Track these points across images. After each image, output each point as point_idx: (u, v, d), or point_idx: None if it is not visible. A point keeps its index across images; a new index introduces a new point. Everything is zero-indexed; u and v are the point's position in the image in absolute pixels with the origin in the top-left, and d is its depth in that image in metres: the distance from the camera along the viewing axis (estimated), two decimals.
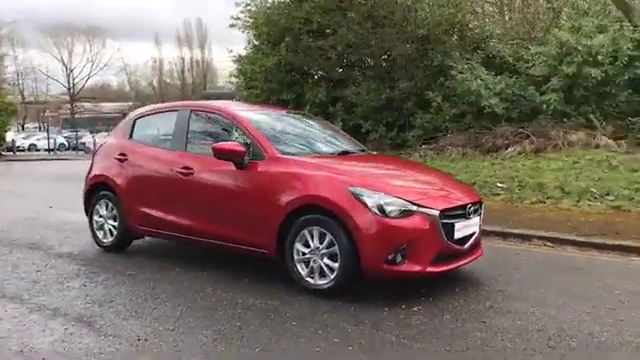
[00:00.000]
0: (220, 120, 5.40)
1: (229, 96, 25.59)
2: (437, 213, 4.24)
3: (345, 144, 5.67)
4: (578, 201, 8.14)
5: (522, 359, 3.30)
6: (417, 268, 4.18)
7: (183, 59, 59.29)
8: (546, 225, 6.87)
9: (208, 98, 25.46)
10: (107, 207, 5.98)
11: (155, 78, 60.53)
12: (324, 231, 4.33)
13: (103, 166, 6.07)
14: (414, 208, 4.20)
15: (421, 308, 4.14)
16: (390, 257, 4.13)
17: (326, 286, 4.34)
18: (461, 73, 14.09)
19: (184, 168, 5.20)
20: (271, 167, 4.69)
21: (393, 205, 4.17)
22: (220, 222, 4.95)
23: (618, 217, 7.23)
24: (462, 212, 4.48)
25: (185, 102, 7.30)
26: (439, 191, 4.62)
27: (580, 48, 13.07)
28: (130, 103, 49.43)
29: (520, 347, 3.45)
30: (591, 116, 13.13)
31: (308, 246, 4.43)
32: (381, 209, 4.14)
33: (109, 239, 5.99)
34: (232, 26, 17.34)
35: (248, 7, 16.66)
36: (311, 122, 6.23)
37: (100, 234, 6.07)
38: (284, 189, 4.54)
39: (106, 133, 24.80)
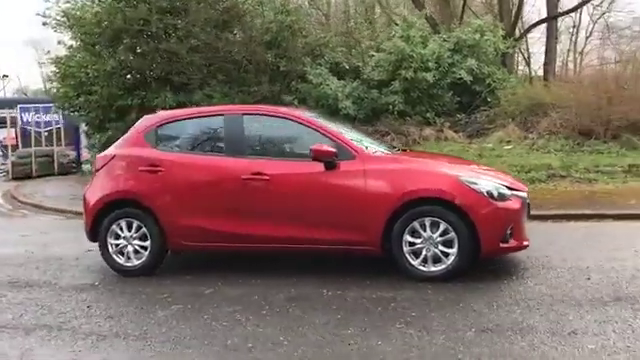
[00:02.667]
0: (285, 124, 5.32)
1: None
2: (525, 194, 4.99)
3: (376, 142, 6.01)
4: None
5: None
6: (517, 243, 4.87)
7: None
8: None
9: None
10: (130, 227, 5.36)
11: None
12: (437, 220, 4.74)
13: (124, 181, 5.41)
14: (510, 192, 4.88)
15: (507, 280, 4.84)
16: (503, 237, 4.74)
17: (442, 272, 4.75)
18: (315, 78, 15.08)
19: (255, 174, 5.03)
20: (367, 165, 4.90)
21: (498, 190, 4.80)
22: (313, 226, 4.96)
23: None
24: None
25: (229, 106, 6.77)
26: (506, 176, 5.37)
27: (414, 55, 15.09)
28: None
29: None
30: (427, 114, 15.26)
31: (418, 237, 4.78)
32: (490, 194, 4.74)
33: (136, 262, 5.40)
34: (45, 24, 15.69)
35: (66, 4, 15.20)
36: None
37: (120, 258, 5.42)
38: (390, 185, 4.82)
39: None
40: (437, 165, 5.16)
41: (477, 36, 16.52)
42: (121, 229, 5.41)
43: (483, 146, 12.81)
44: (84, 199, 5.62)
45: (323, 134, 5.13)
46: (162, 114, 5.84)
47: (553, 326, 3.77)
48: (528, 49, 22.45)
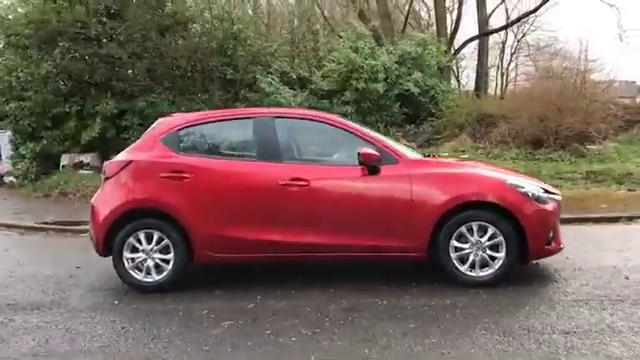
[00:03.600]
0: (319, 128, 5.11)
1: None
2: (560, 197, 5.09)
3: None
4: None
5: None
6: (557, 245, 4.94)
7: None
8: None
9: None
10: (150, 239, 4.90)
11: None
12: (485, 224, 4.71)
13: (144, 189, 4.94)
14: (548, 195, 4.96)
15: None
16: (547, 239, 4.80)
17: (490, 276, 4.72)
18: (267, 86, 14.89)
19: (294, 180, 4.78)
20: (411, 170, 4.80)
21: (541, 193, 4.85)
22: (355, 233, 4.77)
23: None
24: None
25: (257, 109, 6.29)
26: (537, 181, 5.44)
27: (365, 66, 15.30)
28: None
29: None
30: (378, 125, 15.48)
31: (465, 242, 4.72)
32: (536, 197, 4.78)
33: (157, 277, 4.93)
34: None
35: None
36: None
37: (138, 274, 4.93)
38: (436, 189, 4.74)
39: None
40: (482, 169, 5.15)
41: (419, 49, 16.99)
42: (139, 241, 4.93)
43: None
44: (92, 210, 5.07)
45: (362, 138, 4.97)
46: (183, 117, 5.42)
47: (633, 325, 3.81)
48: (457, 64, 23.42)
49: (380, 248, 4.78)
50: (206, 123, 5.25)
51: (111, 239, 4.93)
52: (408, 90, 16.24)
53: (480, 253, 4.73)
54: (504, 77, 25.16)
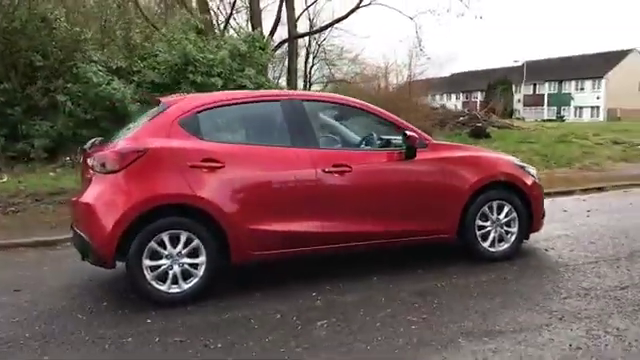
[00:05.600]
0: (347, 111, 4.89)
1: None
2: None
3: None
4: None
5: None
6: (544, 221, 5.54)
7: None
8: None
9: None
10: (175, 241, 4.16)
11: None
12: (503, 203, 5.09)
13: (169, 182, 4.12)
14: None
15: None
16: (543, 213, 5.38)
17: (507, 250, 5.12)
18: (96, 77, 13.40)
19: (336, 166, 4.53)
20: (440, 153, 4.93)
21: (536, 172, 5.43)
22: (397, 218, 4.72)
23: None
24: None
25: (282, 91, 5.28)
26: None
27: (201, 60, 14.79)
28: None
29: None
30: None
31: (486, 220, 5.06)
32: (533, 175, 5.33)
33: (185, 285, 4.19)
34: None
35: None
36: None
37: (161, 284, 4.14)
38: (465, 172, 4.96)
39: None
40: (493, 152, 5.47)
41: (246, 46, 16.93)
42: (162, 245, 4.11)
43: None
44: (92, 211, 4.05)
45: (393, 122, 4.91)
46: (199, 97, 4.62)
47: None
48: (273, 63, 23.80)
49: (418, 232, 4.80)
50: (228, 105, 4.57)
51: (124, 246, 4.00)
52: (244, 86, 16.04)
53: (498, 229, 5.05)
54: (307, 78, 26.46)
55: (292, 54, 21.19)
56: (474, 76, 52.83)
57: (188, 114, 4.32)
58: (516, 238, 5.13)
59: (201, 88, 14.70)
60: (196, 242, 4.16)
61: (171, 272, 4.13)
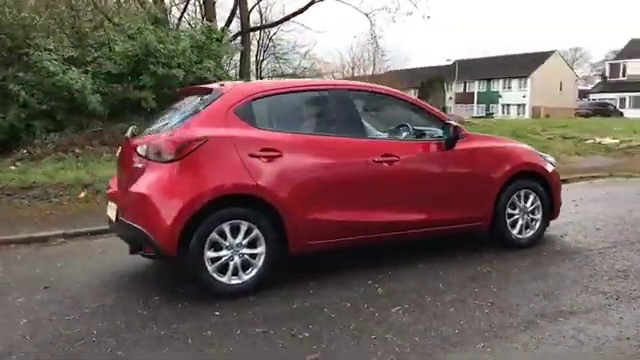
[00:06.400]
0: (389, 102, 4.93)
1: None
2: None
3: None
4: None
5: None
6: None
7: None
8: None
9: None
10: (236, 231, 4.06)
11: None
12: (529, 191, 5.30)
13: (231, 171, 4.01)
14: None
15: None
16: (560, 202, 5.66)
17: (533, 237, 5.33)
18: (52, 66, 12.79)
19: (385, 156, 4.58)
20: (473, 144, 5.06)
21: (554, 161, 5.68)
22: (439, 207, 4.81)
23: None
24: None
25: (329, 81, 5.06)
26: None
27: (162, 51, 14.40)
28: None
29: None
30: None
31: (514, 208, 5.26)
32: (554, 165, 5.59)
33: (246, 276, 4.10)
34: None
35: None
36: None
37: (222, 276, 4.04)
38: (497, 161, 5.13)
39: None
40: (516, 142, 5.65)
41: (204, 37, 16.60)
42: (223, 236, 4.00)
43: None
44: (153, 201, 3.88)
45: (432, 114, 5.01)
46: (252, 86, 4.53)
47: None
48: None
49: (458, 220, 4.93)
50: (280, 94, 4.50)
51: (187, 236, 3.87)
52: (205, 78, 15.71)
53: (525, 217, 5.26)
54: (258, 72, 26.18)
55: (245, 47, 20.91)
56: (410, 74, 54.06)
57: (243, 102, 4.22)
58: (540, 225, 5.36)
59: (162, 79, 14.32)
60: (256, 232, 4.08)
61: (232, 263, 4.03)
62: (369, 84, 5.31)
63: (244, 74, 21.12)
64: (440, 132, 4.94)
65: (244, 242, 4.05)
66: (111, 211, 4.47)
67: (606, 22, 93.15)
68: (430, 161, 4.81)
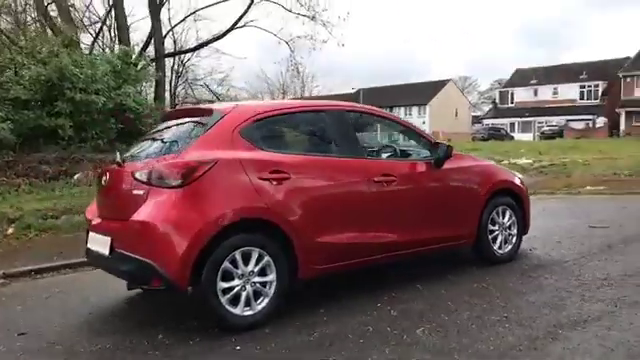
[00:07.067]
0: (380, 122, 4.95)
1: None
2: None
3: None
4: None
5: None
6: None
7: None
8: None
9: None
10: (247, 259, 3.86)
11: None
12: (506, 208, 5.48)
13: (244, 196, 3.80)
14: None
15: None
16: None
17: (511, 251, 5.51)
18: None
19: (384, 176, 4.59)
20: (459, 162, 5.19)
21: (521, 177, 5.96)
22: (432, 225, 4.85)
23: None
24: None
25: (325, 102, 4.72)
26: None
27: (80, 76, 13.74)
28: None
29: None
30: (99, 141, 14.06)
31: (494, 224, 5.43)
32: (522, 181, 5.86)
33: (258, 307, 3.89)
34: None
35: None
36: None
37: (234, 307, 3.81)
38: (480, 179, 5.27)
39: None
40: (489, 161, 5.83)
41: (120, 62, 16.05)
42: (234, 265, 3.78)
43: None
44: (160, 231, 3.58)
45: (419, 134, 5.09)
46: (254, 106, 4.31)
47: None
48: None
49: (449, 238, 4.99)
50: (282, 114, 4.34)
51: (199, 267, 3.62)
52: (125, 104, 15.08)
53: (504, 232, 5.45)
54: (173, 98, 25.36)
55: (161, 73, 20.33)
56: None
57: (247, 123, 4.04)
58: (516, 240, 5.55)
59: (80, 106, 13.57)
60: (266, 259, 3.88)
61: (244, 293, 3.79)
62: (363, 105, 5.32)
63: (160, 101, 20.50)
64: (424, 152, 5.00)
65: (255, 270, 3.83)
66: (98, 244, 4.08)
67: (490, 53, 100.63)
68: (423, 180, 4.85)
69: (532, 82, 54.81)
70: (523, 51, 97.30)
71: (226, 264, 3.70)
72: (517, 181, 5.65)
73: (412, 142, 5.09)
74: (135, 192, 3.78)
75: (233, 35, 24.77)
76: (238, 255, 3.76)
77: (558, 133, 43.18)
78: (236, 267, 3.76)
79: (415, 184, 4.79)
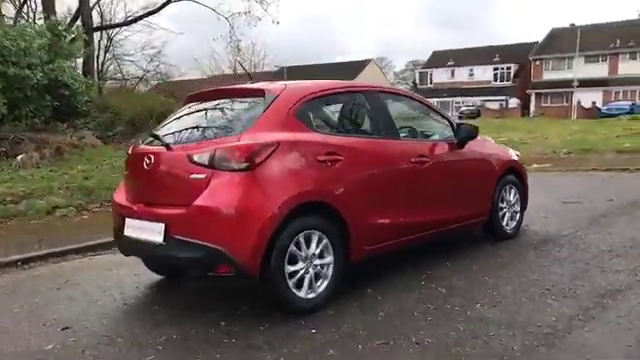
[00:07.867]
0: (409, 104, 4.99)
1: None
2: None
3: None
4: None
5: None
6: None
7: None
8: None
9: None
10: (309, 241, 3.83)
11: None
12: (512, 185, 5.72)
13: (306, 178, 3.74)
14: None
15: None
16: None
17: (516, 227, 5.80)
18: None
19: (420, 156, 4.67)
20: (476, 142, 5.32)
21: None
22: (460, 204, 5.00)
23: None
24: None
25: (360, 82, 4.47)
26: None
27: (12, 49, 12.85)
28: None
29: None
30: (35, 119, 13.29)
31: (503, 201, 5.67)
32: (520, 159, 6.12)
33: (319, 289, 3.89)
34: None
35: None
36: None
37: (299, 291, 3.77)
38: (494, 159, 5.48)
39: None
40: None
41: (49, 34, 15.02)
42: (299, 247, 3.73)
43: None
44: (229, 216, 3.45)
45: (442, 115, 5.19)
46: (303, 86, 4.16)
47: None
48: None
49: (470, 216, 5.17)
50: (329, 95, 4.28)
51: (271, 249, 3.55)
52: (61, 80, 14.22)
53: (511, 209, 5.70)
54: (99, 74, 23.92)
55: (90, 48, 19.22)
56: (234, 78, 54.10)
57: (301, 103, 3.96)
58: (520, 216, 5.83)
59: (13, 81, 12.71)
60: (325, 241, 3.86)
61: (307, 276, 3.76)
62: (392, 87, 5.31)
63: (89, 73, 19.46)
64: (448, 132, 5.11)
65: (316, 252, 3.80)
66: (141, 230, 3.85)
67: (399, 34, 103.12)
68: (450, 160, 4.98)
69: (449, 64, 56.77)
70: (431, 31, 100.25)
71: (292, 247, 3.64)
72: (517, 158, 5.90)
73: (432, 123, 5.17)
74: (194, 176, 3.60)
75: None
76: (302, 238, 3.71)
77: (476, 113, 45.13)
78: (300, 250, 3.70)
79: (445, 164, 4.90)
